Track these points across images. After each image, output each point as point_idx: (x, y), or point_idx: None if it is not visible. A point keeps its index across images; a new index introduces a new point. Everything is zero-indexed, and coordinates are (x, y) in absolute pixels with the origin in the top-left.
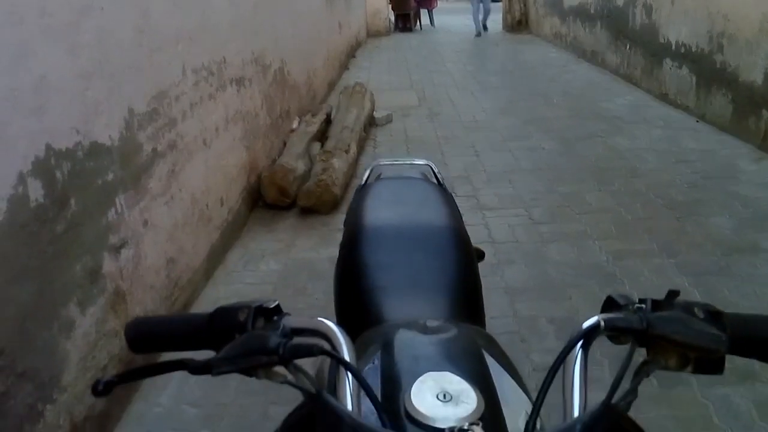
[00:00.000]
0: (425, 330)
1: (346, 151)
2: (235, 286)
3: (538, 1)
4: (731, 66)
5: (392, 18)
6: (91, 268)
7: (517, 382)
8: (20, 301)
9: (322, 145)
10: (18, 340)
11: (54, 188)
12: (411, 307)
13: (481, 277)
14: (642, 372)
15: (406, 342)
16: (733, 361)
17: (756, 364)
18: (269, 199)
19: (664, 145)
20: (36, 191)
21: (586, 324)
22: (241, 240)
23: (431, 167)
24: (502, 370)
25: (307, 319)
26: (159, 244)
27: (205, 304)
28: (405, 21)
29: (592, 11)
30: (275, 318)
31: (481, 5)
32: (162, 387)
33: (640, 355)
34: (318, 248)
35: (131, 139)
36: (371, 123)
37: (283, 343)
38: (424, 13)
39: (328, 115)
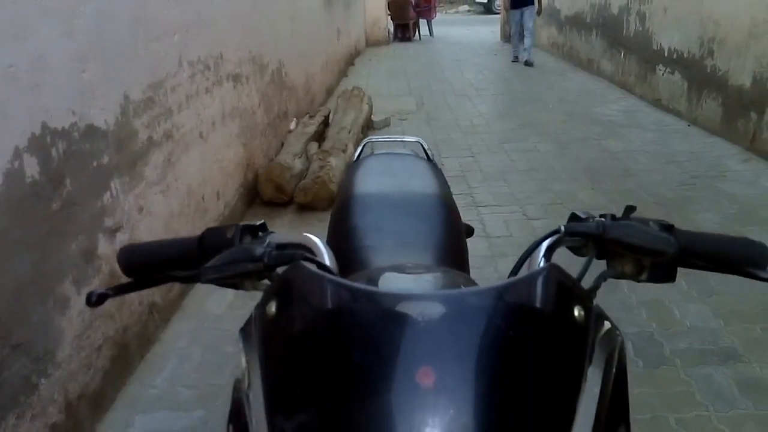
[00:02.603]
0: (409, 270)
1: (344, 151)
2: None
3: None
4: (721, 70)
5: (391, 28)
6: (86, 249)
7: None
8: (16, 274)
9: (320, 146)
10: (13, 312)
11: (50, 166)
12: (397, 259)
13: (475, 268)
14: (600, 278)
15: (390, 279)
16: (716, 344)
17: (739, 347)
18: (266, 196)
19: (655, 148)
20: (32, 167)
21: (549, 231)
22: None
23: (422, 144)
24: None
25: (292, 234)
26: (154, 232)
27: (202, 293)
28: (404, 31)
29: (588, 20)
30: (261, 234)
31: (522, 27)
32: (158, 369)
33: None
34: None
35: (127, 124)
36: (369, 126)
37: (267, 252)
38: (423, 23)
39: (326, 118)
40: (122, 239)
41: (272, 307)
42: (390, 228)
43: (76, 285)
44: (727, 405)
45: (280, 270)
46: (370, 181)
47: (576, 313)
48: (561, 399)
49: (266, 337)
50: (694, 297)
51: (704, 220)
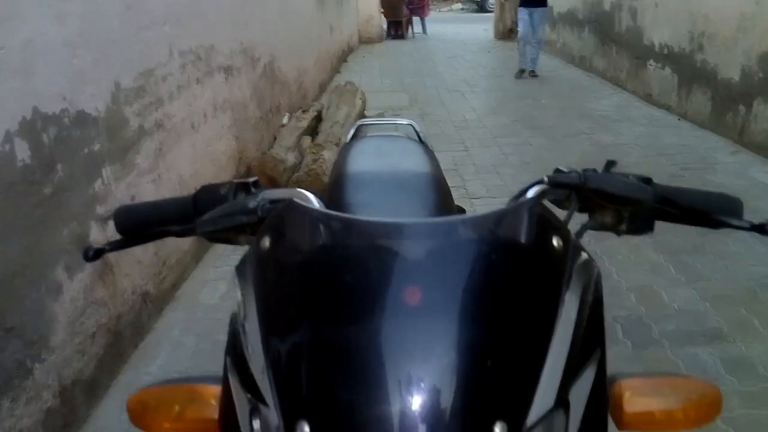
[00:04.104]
0: None
1: (337, 144)
2: (224, 268)
3: None
4: (711, 64)
5: (384, 25)
6: (78, 235)
7: None
8: (8, 258)
9: (313, 140)
10: (6, 296)
11: (41, 151)
12: None
13: None
14: (581, 229)
15: None
16: (703, 325)
17: (725, 328)
18: None
19: (646, 141)
20: (23, 152)
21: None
22: None
23: (414, 126)
24: None
25: (285, 189)
26: None
27: (195, 284)
28: (397, 28)
29: (580, 17)
30: (254, 190)
31: (531, 31)
32: (152, 357)
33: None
34: None
35: (118, 112)
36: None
37: (261, 205)
38: (416, 21)
39: (319, 113)
40: (114, 227)
41: (266, 242)
42: (382, 204)
43: (68, 271)
44: (713, 382)
45: None
46: (363, 161)
47: (555, 242)
48: (539, 320)
49: (261, 269)
50: (682, 282)
51: None
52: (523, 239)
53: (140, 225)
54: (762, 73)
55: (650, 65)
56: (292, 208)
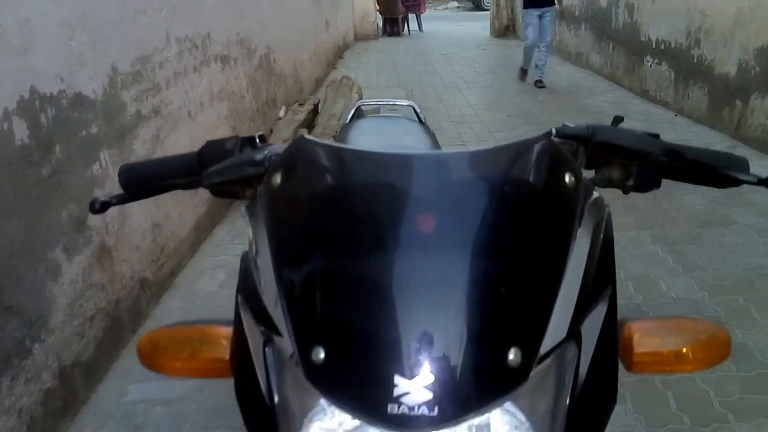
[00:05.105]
0: None
1: (334, 137)
2: (222, 257)
3: None
4: (707, 59)
5: (380, 22)
6: (76, 218)
7: None
8: (7, 237)
9: (310, 133)
10: (5, 274)
11: (39, 131)
12: None
13: None
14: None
15: None
16: (701, 313)
17: (722, 315)
18: None
19: None
20: (21, 131)
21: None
22: (228, 217)
23: (414, 108)
24: None
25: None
26: (144, 207)
27: (193, 273)
28: (393, 25)
29: (577, 13)
30: (260, 145)
31: (539, 32)
32: None
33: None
34: None
35: (115, 96)
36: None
37: (268, 157)
38: (412, 18)
39: (316, 107)
40: (113, 211)
41: (277, 178)
42: None
43: (66, 253)
44: (712, 369)
45: None
46: (363, 140)
47: (567, 179)
48: (552, 253)
49: (272, 204)
50: (679, 272)
51: (690, 202)
52: (536, 173)
53: (145, 180)
54: (759, 68)
55: (647, 61)
56: (303, 143)
